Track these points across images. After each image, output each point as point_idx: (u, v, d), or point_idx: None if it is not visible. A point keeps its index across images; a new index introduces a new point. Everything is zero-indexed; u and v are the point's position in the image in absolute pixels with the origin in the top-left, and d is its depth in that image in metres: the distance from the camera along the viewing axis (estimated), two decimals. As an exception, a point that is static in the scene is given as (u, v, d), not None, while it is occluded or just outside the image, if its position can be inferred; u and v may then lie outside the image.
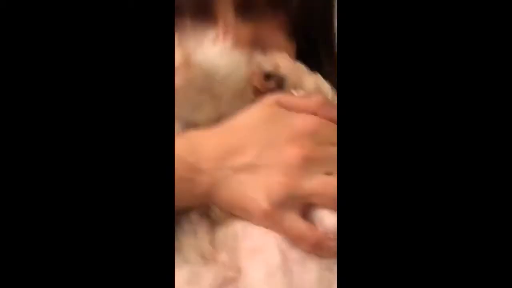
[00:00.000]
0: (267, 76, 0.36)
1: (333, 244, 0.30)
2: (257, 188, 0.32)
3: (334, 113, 0.33)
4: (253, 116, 0.35)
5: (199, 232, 0.32)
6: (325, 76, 0.40)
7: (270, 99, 0.35)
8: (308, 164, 0.32)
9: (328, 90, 0.37)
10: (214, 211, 0.33)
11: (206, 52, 0.34)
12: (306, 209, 0.32)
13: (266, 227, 0.32)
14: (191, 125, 0.35)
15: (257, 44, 0.41)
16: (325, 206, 0.32)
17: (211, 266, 0.31)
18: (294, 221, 0.31)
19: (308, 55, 0.44)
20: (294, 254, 0.31)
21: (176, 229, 0.32)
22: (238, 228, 0.32)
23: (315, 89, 0.37)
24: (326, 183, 0.31)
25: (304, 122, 0.35)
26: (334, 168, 0.30)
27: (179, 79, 0.31)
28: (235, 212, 0.32)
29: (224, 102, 0.35)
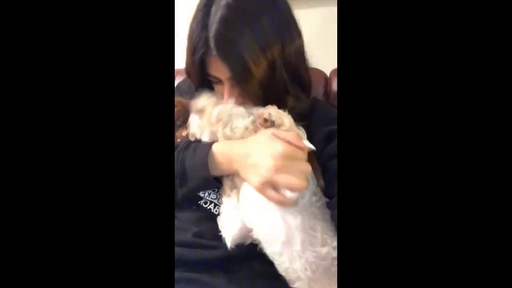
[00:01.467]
0: (265, 120, 0.67)
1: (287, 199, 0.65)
2: (254, 175, 0.62)
3: (300, 143, 0.62)
4: (257, 139, 0.67)
5: (232, 186, 0.74)
6: (300, 102, 0.71)
7: (267, 131, 0.66)
8: (277, 169, 0.60)
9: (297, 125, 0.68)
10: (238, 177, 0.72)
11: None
12: (276, 188, 0.62)
13: (258, 191, 0.63)
14: (228, 138, 0.70)
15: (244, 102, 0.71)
16: (286, 187, 0.60)
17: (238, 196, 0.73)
18: (269, 191, 0.62)
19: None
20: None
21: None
22: (246, 186, 0.70)
23: (289, 125, 0.66)
24: (285, 177, 0.60)
25: (281, 147, 0.62)
26: (293, 171, 0.60)
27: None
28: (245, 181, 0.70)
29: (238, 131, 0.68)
